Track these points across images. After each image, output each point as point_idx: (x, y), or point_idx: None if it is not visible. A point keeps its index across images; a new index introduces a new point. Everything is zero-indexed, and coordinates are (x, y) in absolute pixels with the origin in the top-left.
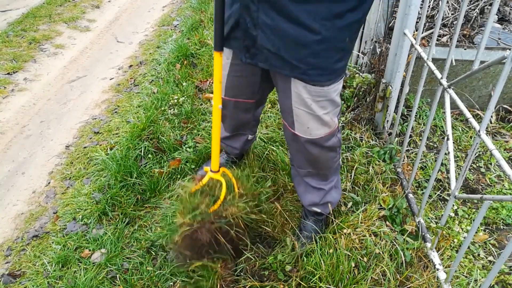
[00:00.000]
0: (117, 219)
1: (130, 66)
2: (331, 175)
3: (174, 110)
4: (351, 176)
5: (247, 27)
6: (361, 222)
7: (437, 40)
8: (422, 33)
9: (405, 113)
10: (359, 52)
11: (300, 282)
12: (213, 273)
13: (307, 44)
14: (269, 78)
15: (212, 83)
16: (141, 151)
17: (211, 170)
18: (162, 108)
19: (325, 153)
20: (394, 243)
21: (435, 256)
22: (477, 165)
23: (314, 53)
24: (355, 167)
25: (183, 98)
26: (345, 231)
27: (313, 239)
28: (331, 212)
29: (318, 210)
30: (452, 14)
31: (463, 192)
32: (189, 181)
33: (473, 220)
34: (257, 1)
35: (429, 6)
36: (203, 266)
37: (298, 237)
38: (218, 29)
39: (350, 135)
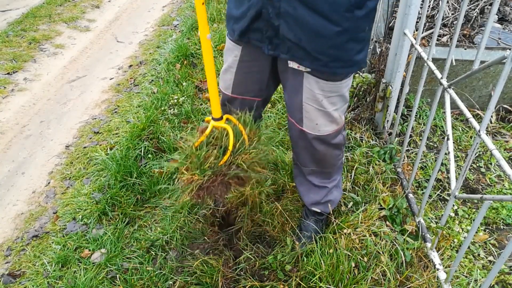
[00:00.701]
0: (117, 219)
1: (130, 66)
2: (334, 173)
3: (174, 110)
4: (351, 176)
5: (270, 17)
6: (361, 222)
7: (437, 40)
8: (422, 33)
9: (405, 113)
10: None
11: (300, 282)
12: (215, 270)
13: (327, 36)
14: (277, 75)
15: None
16: (141, 151)
17: (213, 118)
18: (162, 108)
19: (331, 151)
20: (394, 243)
21: (435, 256)
22: (477, 165)
23: (335, 45)
24: (355, 167)
25: (183, 98)
26: (345, 231)
27: (314, 239)
28: (331, 212)
29: (319, 210)
30: (452, 14)
31: (463, 192)
32: (190, 134)
33: (473, 220)
34: None
35: (429, 6)
36: (205, 263)
37: (298, 237)
38: None
39: (350, 135)
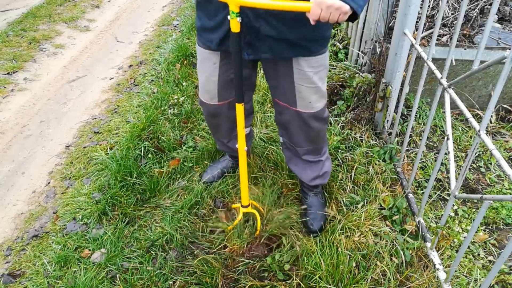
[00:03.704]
0: (117, 219)
1: (130, 66)
2: (324, 147)
3: (174, 110)
4: (351, 176)
5: (249, 21)
6: (361, 222)
7: (437, 40)
8: (422, 33)
9: (405, 113)
10: (359, 51)
11: (300, 282)
12: (215, 270)
13: (306, 21)
14: (255, 66)
15: None
16: (141, 151)
17: (242, 206)
18: (162, 108)
19: (322, 125)
20: (394, 243)
21: (435, 256)
22: (477, 165)
23: (312, 27)
24: (355, 167)
25: (183, 98)
26: (345, 230)
27: (322, 214)
28: (335, 211)
29: (320, 182)
30: (452, 14)
31: (463, 192)
32: (215, 220)
33: (473, 220)
34: None
35: (429, 6)
36: (205, 263)
37: (304, 224)
38: (238, 84)
39: (350, 135)
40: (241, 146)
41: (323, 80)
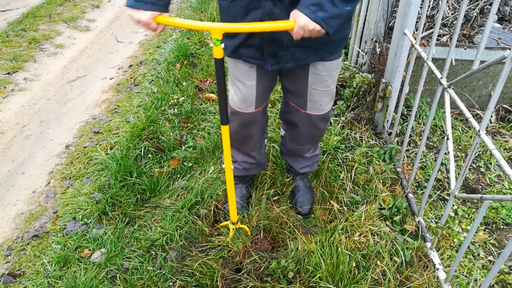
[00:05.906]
0: (117, 219)
1: (130, 66)
2: (319, 142)
3: (174, 110)
4: (351, 176)
5: (273, 33)
6: (361, 222)
7: (437, 40)
8: (422, 33)
9: (405, 112)
10: (359, 51)
11: (301, 285)
12: (215, 272)
13: None
14: (277, 77)
15: (212, 83)
16: (141, 151)
17: (231, 223)
18: (162, 108)
19: (326, 126)
20: (394, 243)
21: (435, 256)
22: (477, 164)
23: (337, 30)
24: (355, 167)
25: (183, 98)
26: (345, 230)
27: (309, 195)
28: (336, 210)
29: (309, 170)
30: (452, 14)
31: (463, 192)
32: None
33: (473, 220)
34: (280, 3)
35: (429, 6)
36: (204, 264)
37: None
38: (222, 106)
39: (350, 135)
40: (228, 165)
41: (335, 81)
